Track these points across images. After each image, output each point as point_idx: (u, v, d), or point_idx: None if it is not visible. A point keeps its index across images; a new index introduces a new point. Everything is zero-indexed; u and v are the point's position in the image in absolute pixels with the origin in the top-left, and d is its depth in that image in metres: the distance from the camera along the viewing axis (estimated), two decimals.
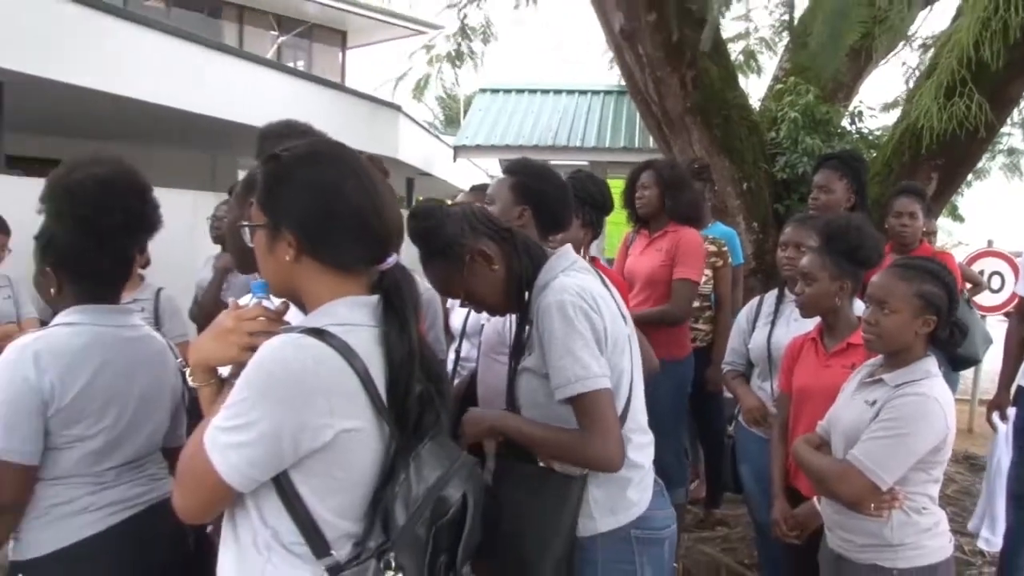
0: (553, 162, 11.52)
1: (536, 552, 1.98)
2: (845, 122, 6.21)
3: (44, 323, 4.41)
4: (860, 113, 6.30)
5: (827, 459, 2.45)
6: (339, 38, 18.39)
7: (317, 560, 1.44)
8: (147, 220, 2.17)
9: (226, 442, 1.39)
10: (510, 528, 1.80)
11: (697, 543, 4.53)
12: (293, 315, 1.60)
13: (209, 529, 2.15)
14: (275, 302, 1.60)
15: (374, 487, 1.47)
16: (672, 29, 5.43)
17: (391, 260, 1.57)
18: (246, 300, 1.61)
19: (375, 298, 1.54)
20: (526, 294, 2.13)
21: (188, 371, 1.59)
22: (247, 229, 1.62)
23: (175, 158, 7.80)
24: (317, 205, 1.50)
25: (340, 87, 9.39)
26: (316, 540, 1.44)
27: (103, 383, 2.08)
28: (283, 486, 1.43)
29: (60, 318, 2.12)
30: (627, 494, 2.06)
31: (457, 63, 8.02)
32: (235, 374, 1.51)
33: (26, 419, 1.97)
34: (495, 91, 12.16)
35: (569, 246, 2.21)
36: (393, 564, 1.43)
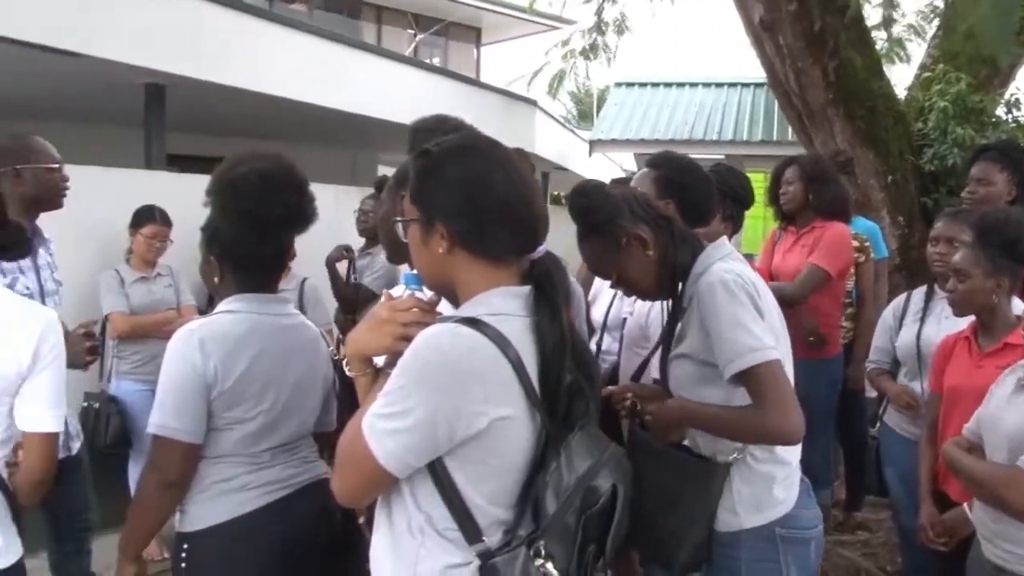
0: (693, 156, 11.32)
1: (674, 537, 1.98)
2: (1000, 111, 5.87)
3: (201, 311, 4.71)
4: (1017, 101, 5.93)
5: (989, 464, 2.30)
6: (474, 35, 18.57)
7: (469, 546, 1.48)
8: (304, 213, 2.27)
9: (383, 428, 1.45)
10: (649, 511, 1.81)
11: (836, 546, 4.39)
12: (443, 307, 1.65)
13: (361, 520, 2.23)
14: (427, 294, 1.64)
15: (525, 475, 1.50)
16: (814, 18, 5.28)
17: (541, 249, 1.60)
18: (399, 292, 1.67)
19: (527, 288, 1.56)
20: (680, 284, 2.13)
21: (345, 361, 1.65)
22: (400, 225, 1.67)
23: (319, 154, 8.07)
24: (467, 197, 1.53)
25: (477, 83, 9.53)
26: (468, 526, 1.48)
27: (261, 368, 2.19)
28: (438, 472, 1.47)
29: (222, 306, 2.26)
30: (773, 491, 2.03)
31: (591, 58, 8.01)
32: (390, 364, 1.57)
33: (192, 401, 2.11)
34: (630, 85, 12.09)
35: (724, 238, 2.20)
36: (543, 552, 1.45)
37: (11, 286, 2.96)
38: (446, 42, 17.75)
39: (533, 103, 10.29)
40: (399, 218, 1.70)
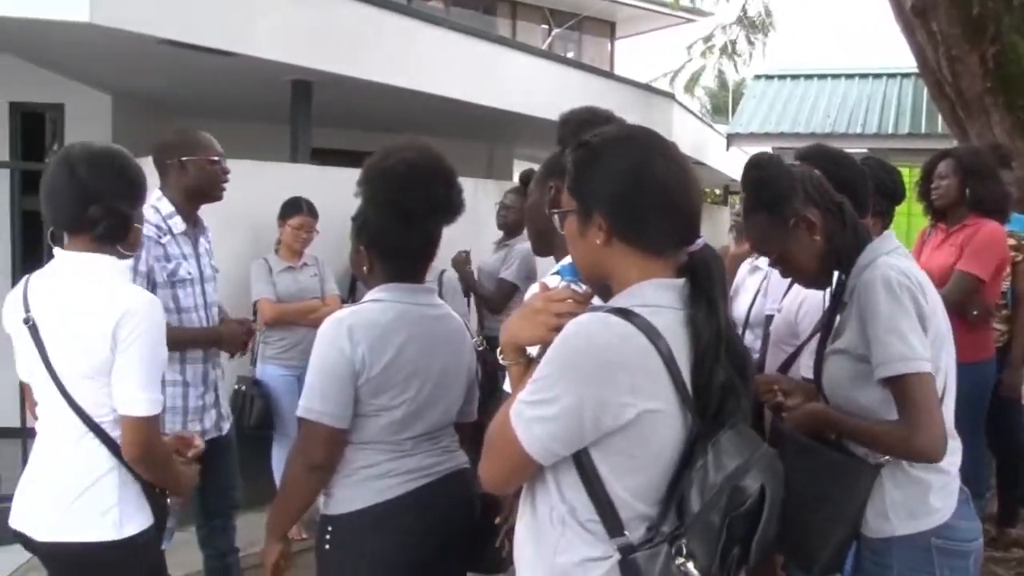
0: None
1: (818, 537, 1.92)
2: None
3: (344, 300, 4.84)
4: None
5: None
6: (608, 29, 18.43)
7: (610, 539, 1.47)
8: (451, 203, 2.29)
9: (530, 416, 1.45)
10: (793, 508, 1.75)
11: (989, 563, 4.14)
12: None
13: (497, 520, 2.25)
14: (582, 285, 1.64)
15: (672, 472, 1.47)
16: (972, 3, 4.97)
17: (700, 241, 1.57)
18: (554, 282, 1.68)
19: (681, 280, 1.54)
20: (843, 275, 2.06)
21: (499, 350, 1.67)
22: (557, 216, 1.67)
23: (457, 148, 8.15)
24: (627, 187, 1.53)
25: (616, 77, 9.45)
26: (611, 519, 1.47)
27: (407, 357, 2.22)
28: (583, 463, 1.46)
29: (371, 295, 2.30)
30: (929, 499, 1.94)
31: (736, 55, 7.83)
32: (543, 354, 1.57)
33: (339, 386, 2.15)
34: (769, 78, 11.76)
35: (891, 231, 2.14)
36: (685, 550, 1.43)
37: (175, 271, 3.11)
38: (580, 37, 17.70)
39: (671, 97, 10.16)
40: (555, 209, 1.69)
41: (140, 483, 2.18)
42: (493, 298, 5.12)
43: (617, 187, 1.53)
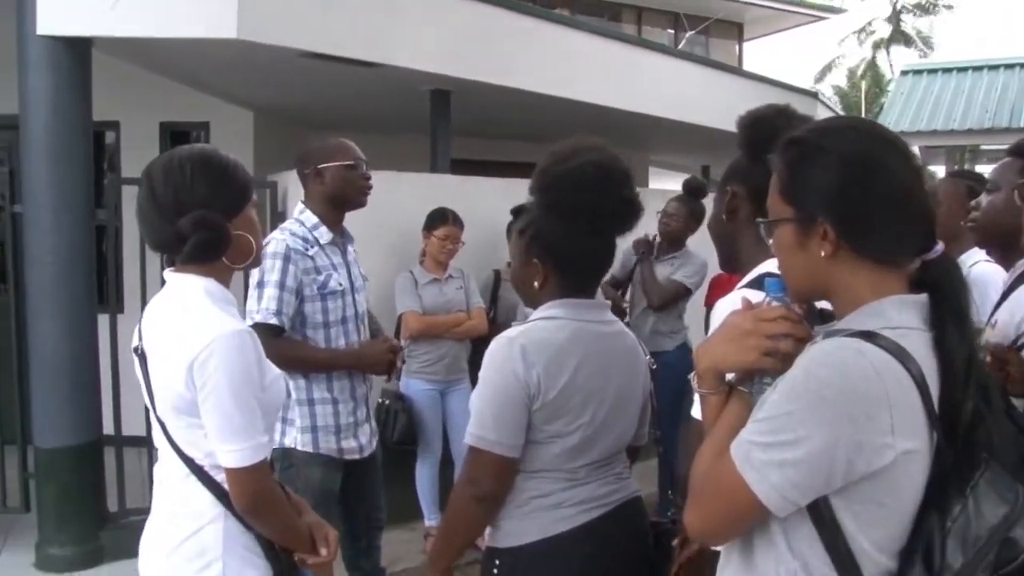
0: (987, 147, 10.27)
1: None
2: None
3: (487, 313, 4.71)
4: None
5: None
6: (736, 31, 18.06)
7: None
8: (636, 208, 2.13)
9: (766, 460, 1.23)
10: None
11: None
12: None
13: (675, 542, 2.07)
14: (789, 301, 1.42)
15: (916, 518, 1.24)
16: None
17: (938, 247, 1.32)
18: (758, 298, 1.46)
19: (923, 296, 1.30)
20: None
21: (693, 375, 1.46)
22: (764, 226, 1.45)
23: None
24: (859, 185, 1.29)
25: (756, 76, 9.07)
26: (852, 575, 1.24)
27: (583, 379, 2.06)
28: (821, 512, 1.24)
29: (541, 312, 2.13)
30: None
31: (888, 46, 7.36)
32: (741, 380, 1.39)
33: (512, 412, 2.00)
34: (918, 72, 11.09)
35: None
36: None
37: (325, 283, 3.03)
38: (707, 40, 17.38)
39: (814, 95, 9.71)
40: (763, 219, 1.47)
41: (253, 535, 1.90)
42: (661, 295, 4.91)
43: (845, 187, 1.30)
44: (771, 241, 1.43)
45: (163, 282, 1.95)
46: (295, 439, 3.03)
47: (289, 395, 3.01)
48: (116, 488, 4.55)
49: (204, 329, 1.79)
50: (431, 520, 4.80)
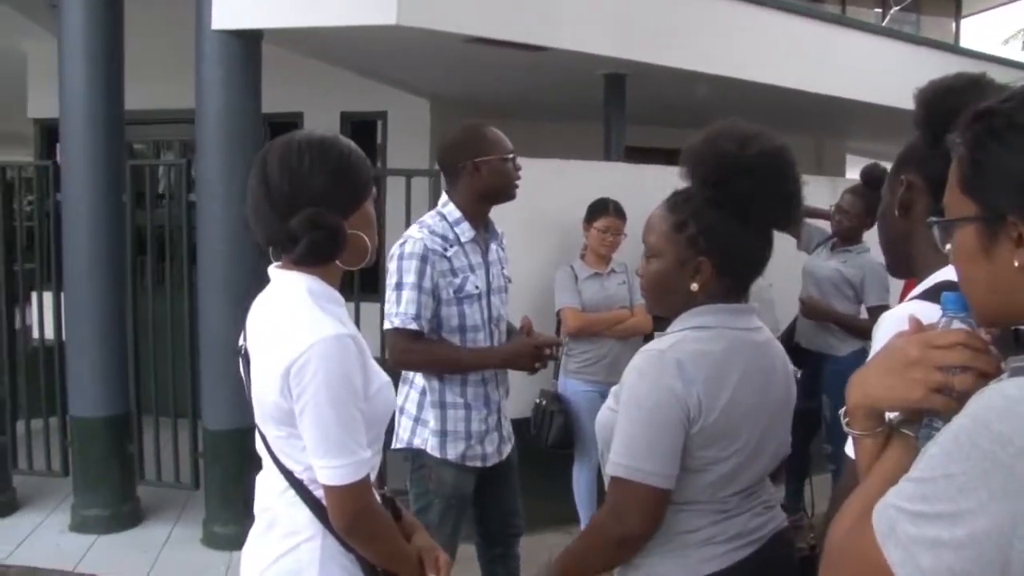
0: None
1: None
2: None
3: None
4: None
5: None
6: (952, 6, 16.58)
7: None
8: (801, 204, 1.85)
9: (915, 535, 0.91)
10: None
11: None
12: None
13: None
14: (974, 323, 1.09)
15: None
16: None
17: None
18: (933, 316, 1.13)
19: None
20: None
21: (844, 412, 1.16)
22: (938, 227, 1.12)
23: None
24: None
25: (964, 51, 8.21)
26: None
27: (743, 396, 1.78)
28: None
29: (691, 319, 1.84)
30: None
31: None
32: (905, 421, 1.09)
33: (670, 437, 1.73)
34: None
35: None
36: None
37: (462, 286, 2.88)
38: (918, 17, 16.07)
39: None
40: (937, 218, 1.13)
41: (354, 556, 1.75)
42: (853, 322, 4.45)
43: None
44: (947, 247, 1.10)
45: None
46: (426, 441, 2.93)
47: (424, 395, 2.94)
48: None
49: (302, 333, 1.64)
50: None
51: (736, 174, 1.78)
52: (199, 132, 4.45)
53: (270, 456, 1.77)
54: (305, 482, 1.73)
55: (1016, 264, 0.98)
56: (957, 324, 1.09)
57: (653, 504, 1.75)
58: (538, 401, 4.44)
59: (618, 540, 1.80)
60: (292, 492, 1.74)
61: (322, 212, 1.67)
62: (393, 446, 3.02)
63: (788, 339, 4.55)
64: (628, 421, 1.75)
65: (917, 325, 1.11)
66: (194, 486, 4.83)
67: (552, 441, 4.34)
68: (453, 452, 2.91)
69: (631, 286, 4.51)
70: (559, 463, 4.52)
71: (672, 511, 1.79)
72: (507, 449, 3.10)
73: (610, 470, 1.77)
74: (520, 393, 3.21)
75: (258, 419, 1.77)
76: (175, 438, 4.91)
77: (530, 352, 2.96)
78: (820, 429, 4.46)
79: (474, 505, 3.07)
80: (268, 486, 1.81)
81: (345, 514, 1.68)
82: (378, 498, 1.82)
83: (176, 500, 5.01)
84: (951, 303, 1.11)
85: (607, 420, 1.86)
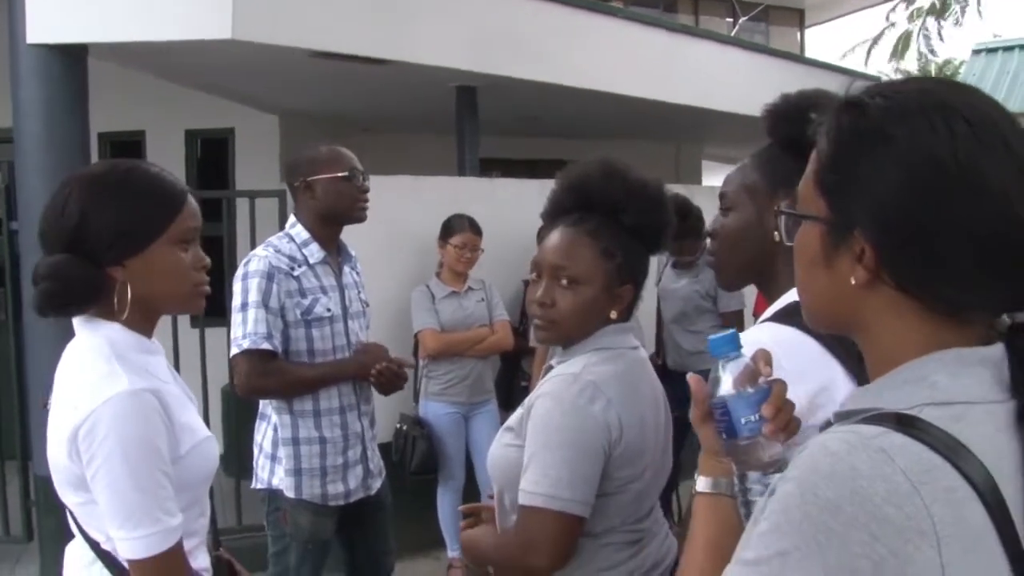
0: None
1: None
2: None
3: (515, 328, 4.34)
4: None
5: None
6: (796, 17, 17.45)
7: None
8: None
9: None
10: None
11: None
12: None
13: None
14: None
15: None
16: None
17: None
18: (789, 342, 1.10)
19: (996, 349, 0.87)
20: None
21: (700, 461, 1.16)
22: (783, 218, 1.07)
23: (641, 150, 7.62)
24: (928, 200, 0.85)
25: (812, 62, 8.48)
26: None
27: (646, 412, 1.80)
28: None
29: (594, 342, 1.80)
30: None
31: (943, 17, 6.80)
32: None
33: (593, 462, 1.70)
34: (992, 51, 10.38)
35: None
36: None
37: (311, 308, 2.72)
38: (767, 27, 16.87)
39: (876, 80, 9.08)
40: (787, 209, 1.06)
41: None
42: None
43: (905, 198, 0.86)
44: (790, 242, 1.01)
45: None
46: (281, 480, 2.75)
47: (276, 431, 2.77)
48: None
49: (92, 390, 1.48)
50: (454, 551, 4.45)
51: (645, 205, 1.80)
52: (18, 155, 4.07)
53: (75, 524, 1.59)
54: (112, 553, 1.55)
55: (853, 281, 0.90)
56: (731, 366, 1.06)
57: (568, 535, 1.69)
58: (398, 426, 4.30)
59: (524, 572, 1.75)
60: (99, 565, 1.56)
61: (66, 260, 1.51)
62: (252, 485, 2.86)
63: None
64: (544, 448, 1.68)
65: (698, 385, 1.12)
66: (26, 539, 4.42)
67: (415, 467, 4.21)
68: (309, 492, 2.73)
69: (491, 303, 4.43)
70: (423, 486, 4.38)
71: (593, 547, 1.73)
72: (376, 484, 2.94)
73: (524, 500, 1.68)
74: (379, 418, 3.05)
75: (56, 485, 1.58)
76: (2, 485, 4.49)
77: (378, 355, 2.84)
78: (687, 438, 4.49)
79: (341, 544, 2.91)
80: (74, 557, 1.63)
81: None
82: (207, 562, 1.66)
83: (8, 555, 4.58)
84: (716, 348, 1.07)
85: (505, 456, 1.79)
